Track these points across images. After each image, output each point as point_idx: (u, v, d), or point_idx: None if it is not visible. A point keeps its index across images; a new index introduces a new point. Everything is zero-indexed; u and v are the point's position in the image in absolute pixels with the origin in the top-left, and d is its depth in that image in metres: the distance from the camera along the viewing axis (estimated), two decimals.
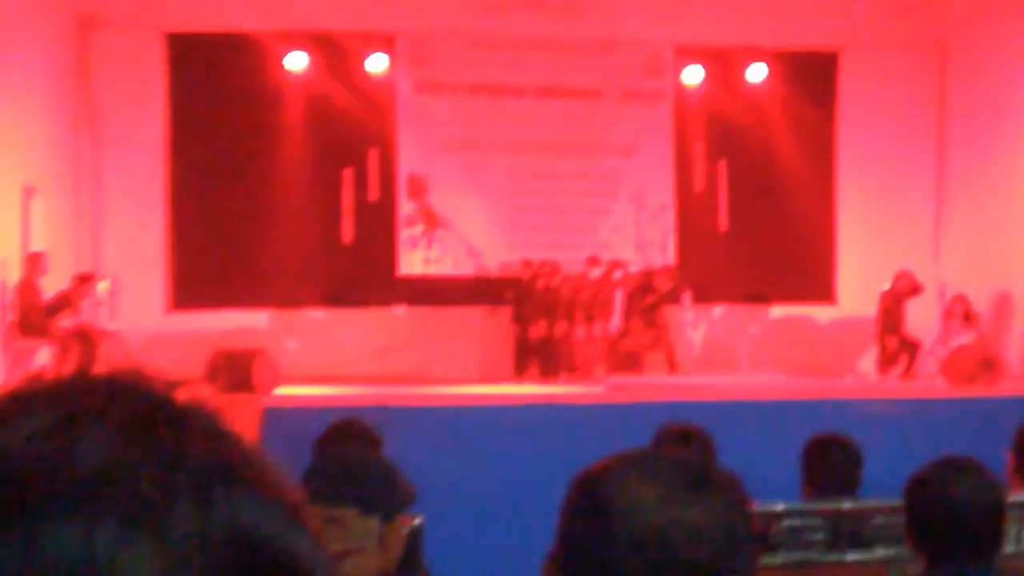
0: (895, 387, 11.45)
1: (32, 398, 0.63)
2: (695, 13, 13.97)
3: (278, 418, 8.25)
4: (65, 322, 10.43)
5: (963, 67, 14.44)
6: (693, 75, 14.47)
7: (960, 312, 12.44)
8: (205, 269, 13.40)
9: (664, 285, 12.45)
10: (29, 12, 11.05)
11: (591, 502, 1.29)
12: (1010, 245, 13.17)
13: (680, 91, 14.59)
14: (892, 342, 12.45)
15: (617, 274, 12.77)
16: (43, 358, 10.43)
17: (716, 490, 1.27)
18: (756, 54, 14.43)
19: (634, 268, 13.37)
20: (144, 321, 12.66)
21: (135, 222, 13.22)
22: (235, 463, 0.64)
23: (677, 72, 14.51)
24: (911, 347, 12.49)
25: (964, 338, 12.12)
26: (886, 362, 12.56)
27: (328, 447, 4.13)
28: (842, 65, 14.85)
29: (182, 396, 0.70)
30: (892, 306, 12.50)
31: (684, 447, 4.13)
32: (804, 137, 14.67)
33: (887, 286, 12.65)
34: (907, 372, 12.42)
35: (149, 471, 0.60)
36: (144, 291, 12.81)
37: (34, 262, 10.59)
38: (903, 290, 12.56)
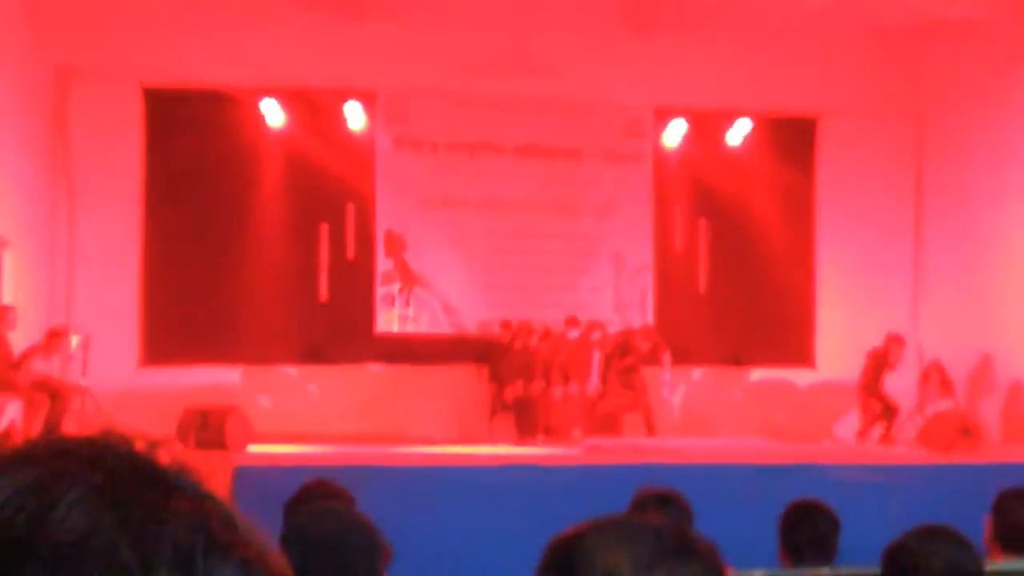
0: (873, 453, 11.40)
1: (8, 459, 0.59)
2: (675, 76, 14.10)
3: (250, 477, 8.12)
4: (33, 373, 10.28)
5: (939, 134, 14.60)
6: (673, 137, 14.57)
7: (936, 379, 12.47)
8: (178, 324, 13.29)
9: (643, 346, 12.40)
10: (6, 61, 11.02)
11: (566, 567, 1.26)
12: (988, 310, 13.22)
13: (660, 152, 14.67)
14: (874, 404, 12.42)
15: (596, 335, 12.73)
16: (11, 413, 10.27)
17: (692, 557, 1.24)
18: (736, 117, 14.55)
19: (613, 329, 13.34)
20: (116, 376, 12.51)
21: (108, 276, 13.11)
22: (216, 529, 0.60)
23: (657, 133, 14.60)
24: (890, 411, 12.47)
25: (941, 405, 12.11)
26: (867, 425, 12.52)
27: (300, 509, 4.03)
28: (821, 130, 14.99)
29: (163, 457, 0.66)
30: (878, 367, 12.48)
31: (662, 511, 4.07)
32: (783, 200, 14.76)
33: (877, 345, 12.66)
34: (885, 437, 12.39)
35: (128, 537, 0.56)
36: (116, 346, 12.68)
37: (2, 316, 10.46)
38: (892, 353, 12.55)
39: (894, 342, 12.65)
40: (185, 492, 0.61)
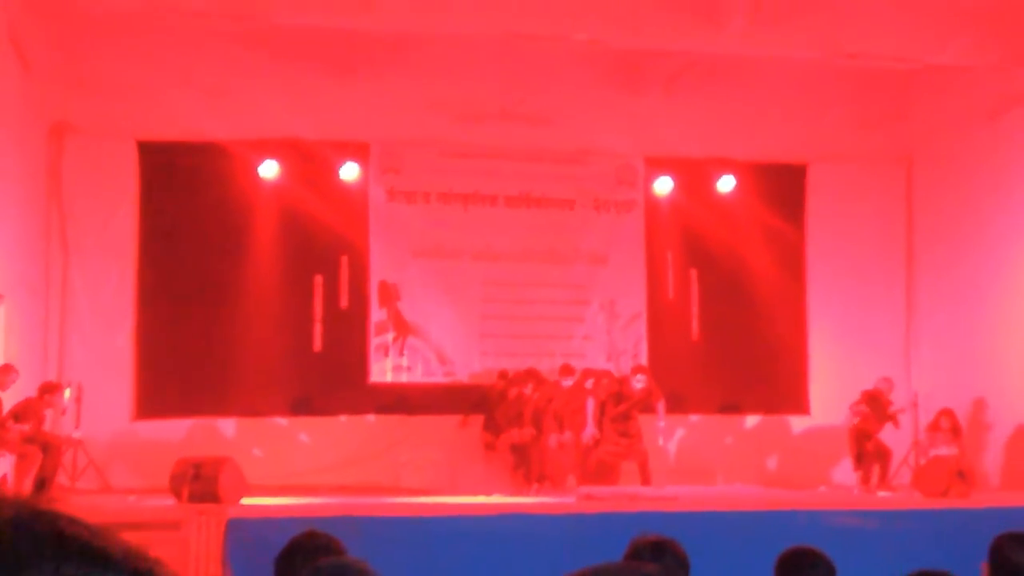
0: (869, 498, 11.36)
1: None
2: (664, 126, 14.20)
3: (243, 529, 8.08)
4: (25, 427, 10.23)
5: (929, 180, 14.70)
6: (664, 185, 14.64)
7: (948, 426, 12.41)
8: (172, 376, 13.26)
9: (637, 387, 12.40)
10: (1, 118, 11.08)
11: None
12: (982, 355, 13.25)
13: (651, 201, 14.74)
14: (867, 446, 12.39)
15: (589, 382, 12.72)
16: (3, 467, 10.22)
17: None
18: (726, 165, 14.64)
19: (606, 379, 13.31)
20: (109, 429, 12.49)
21: (103, 329, 13.10)
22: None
23: (648, 182, 14.68)
24: (883, 455, 12.45)
25: (943, 450, 12.09)
26: (862, 468, 12.48)
27: (294, 562, 3.99)
28: (811, 177, 15.08)
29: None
30: (871, 410, 12.47)
31: (657, 560, 4.05)
32: (774, 247, 14.81)
33: (869, 387, 12.67)
34: (881, 481, 12.36)
35: None
36: (110, 398, 12.65)
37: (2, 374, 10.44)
38: (884, 396, 12.55)
39: (884, 382, 12.66)
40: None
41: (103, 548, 0.63)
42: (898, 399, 13.00)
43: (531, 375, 12.89)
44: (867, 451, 12.35)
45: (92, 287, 13.15)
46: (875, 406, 12.51)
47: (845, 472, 13.69)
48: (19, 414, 10.28)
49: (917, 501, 10.52)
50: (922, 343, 14.63)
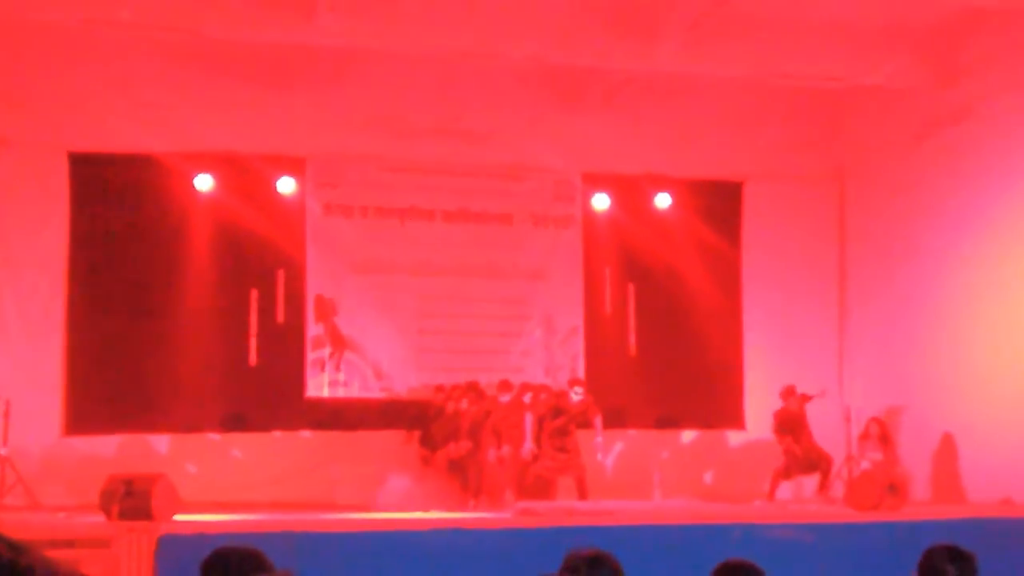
0: (802, 512, 11.46)
1: None
2: (601, 142, 14.31)
3: (174, 546, 7.95)
4: None
5: (861, 197, 14.93)
6: (601, 201, 14.71)
7: (876, 434, 12.59)
8: (104, 391, 13.04)
9: (575, 398, 12.42)
10: None
11: None
12: (911, 367, 13.46)
13: (589, 216, 14.80)
14: (798, 450, 12.50)
15: (527, 397, 12.72)
16: None
17: None
18: (662, 182, 14.74)
19: (544, 394, 13.32)
20: (38, 445, 12.26)
21: (31, 342, 12.85)
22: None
23: (586, 198, 14.75)
24: (824, 462, 12.57)
25: (873, 459, 12.25)
26: (790, 471, 12.60)
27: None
28: (746, 194, 15.24)
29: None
30: (787, 419, 12.61)
31: (593, 573, 4.05)
32: (710, 263, 14.95)
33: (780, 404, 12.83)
34: (821, 489, 12.49)
35: None
36: (39, 413, 12.40)
37: None
38: (793, 402, 12.70)
39: (788, 394, 12.79)
40: None
41: (26, 566, 0.61)
42: (831, 412, 13.16)
43: (471, 388, 12.87)
44: (798, 451, 12.48)
45: (21, 301, 12.90)
46: (790, 417, 12.62)
47: (781, 487, 13.81)
48: None
49: (849, 514, 10.63)
50: (854, 357, 14.83)
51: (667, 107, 14.25)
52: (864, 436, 12.77)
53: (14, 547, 0.61)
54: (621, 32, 12.19)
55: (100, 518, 9.02)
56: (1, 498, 11.32)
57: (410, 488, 12.60)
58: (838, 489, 12.62)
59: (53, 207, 13.12)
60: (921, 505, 11.96)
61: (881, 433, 12.62)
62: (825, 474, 12.59)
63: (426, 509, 11.14)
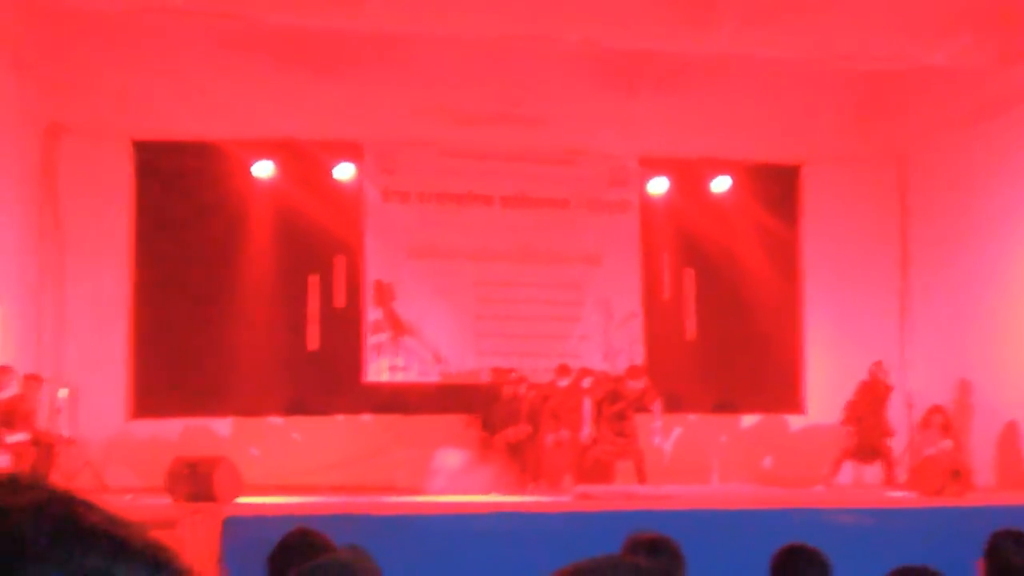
0: (865, 497, 11.38)
1: None
2: (659, 126, 14.22)
3: (239, 527, 8.08)
4: (19, 435, 10.20)
5: (922, 179, 14.73)
6: (658, 186, 14.65)
7: (938, 423, 12.42)
8: (168, 376, 13.26)
9: (634, 385, 12.39)
10: None
11: None
12: (977, 352, 13.27)
13: (646, 201, 14.75)
14: (860, 435, 12.40)
15: (586, 381, 12.72)
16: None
17: None
18: (720, 165, 14.66)
19: (603, 378, 13.31)
20: (105, 429, 12.48)
21: (98, 329, 13.10)
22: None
23: (643, 182, 14.70)
24: (886, 452, 12.45)
25: (937, 448, 12.10)
26: (851, 455, 12.51)
27: (281, 561, 3.98)
28: (805, 177, 15.10)
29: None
30: (864, 397, 12.47)
31: (653, 557, 4.05)
32: (769, 247, 14.83)
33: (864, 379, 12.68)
34: (887, 478, 12.37)
35: None
36: (105, 398, 12.64)
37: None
38: (879, 382, 12.54)
39: (877, 370, 12.65)
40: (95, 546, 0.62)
41: (125, 538, 0.62)
42: (893, 397, 13.02)
43: (522, 376, 12.91)
44: (863, 436, 12.38)
45: (87, 287, 13.14)
46: (871, 398, 12.49)
47: (841, 471, 13.70)
48: (5, 414, 10.25)
49: (912, 499, 10.53)
50: (916, 341, 14.66)
51: (725, 90, 14.12)
52: (925, 425, 12.61)
53: (111, 519, 0.63)
54: (678, 14, 12.09)
55: (166, 500, 9.19)
56: (69, 482, 11.54)
57: (469, 472, 12.66)
58: (901, 476, 12.49)
59: (117, 194, 13.34)
60: (985, 491, 11.81)
61: (943, 422, 12.45)
62: (888, 462, 12.45)
63: (485, 493, 11.20)
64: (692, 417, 14.43)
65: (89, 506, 0.63)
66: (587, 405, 12.32)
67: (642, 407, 12.41)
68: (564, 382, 12.56)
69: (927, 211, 14.60)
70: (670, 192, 14.70)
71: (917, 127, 14.68)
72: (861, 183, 15.00)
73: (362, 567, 2.88)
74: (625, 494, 10.84)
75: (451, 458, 11.93)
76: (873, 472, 12.93)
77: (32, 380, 10.79)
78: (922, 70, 13.42)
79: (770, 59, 13.29)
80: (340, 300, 13.93)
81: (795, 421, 14.71)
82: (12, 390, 10.42)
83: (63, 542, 0.59)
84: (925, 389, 13.70)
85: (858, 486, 13.16)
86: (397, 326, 14.02)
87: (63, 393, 11.66)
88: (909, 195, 15.00)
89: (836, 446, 12.85)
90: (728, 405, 14.61)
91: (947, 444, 12.20)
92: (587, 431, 12.22)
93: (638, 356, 14.39)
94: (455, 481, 11.58)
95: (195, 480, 9.24)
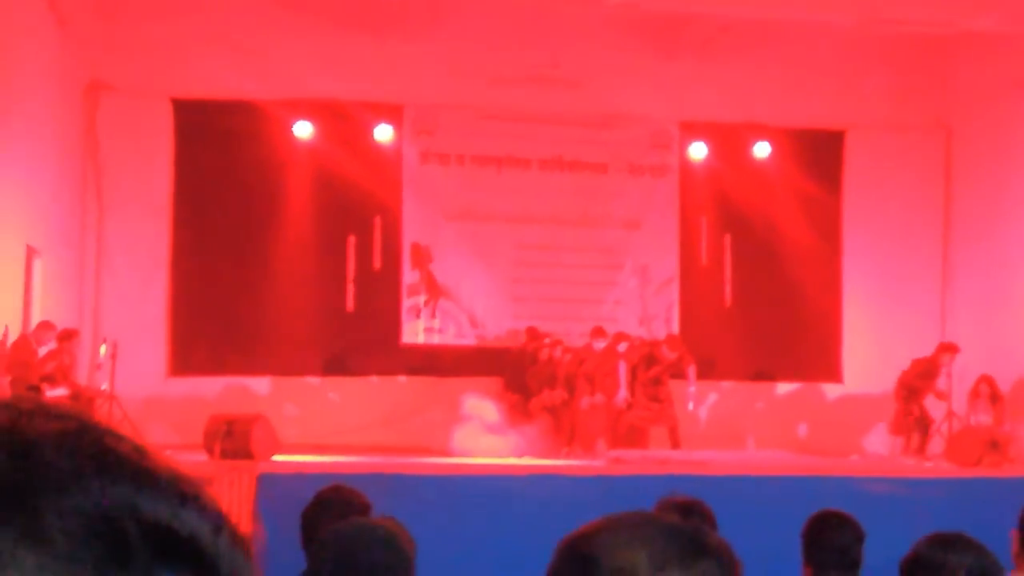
0: (901, 466, 11.31)
1: None
2: (699, 90, 14.09)
3: (273, 484, 8.15)
4: (59, 390, 10.33)
5: (967, 147, 14.53)
6: (698, 150, 14.55)
7: (987, 393, 12.27)
8: (206, 334, 13.37)
9: (668, 355, 12.35)
10: (38, 77, 11.15)
11: (579, 565, 1.24)
12: (1017, 323, 13.11)
13: (686, 165, 14.66)
14: (912, 410, 12.28)
15: (622, 346, 12.70)
16: None
17: (707, 554, 1.23)
18: (762, 131, 14.52)
19: (639, 343, 13.28)
20: (144, 385, 12.61)
21: (137, 286, 13.23)
22: (108, 451, 0.61)
23: (683, 147, 14.60)
24: (925, 424, 12.34)
25: (983, 417, 11.96)
26: (900, 430, 12.39)
27: (322, 519, 4.02)
28: (848, 144, 14.93)
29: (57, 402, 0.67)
30: (924, 374, 12.32)
31: (684, 520, 4.06)
32: (810, 214, 14.69)
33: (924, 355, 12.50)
34: (920, 449, 12.27)
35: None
36: (145, 355, 12.76)
37: (37, 330, 10.54)
38: (943, 362, 12.36)
39: (946, 351, 12.43)
40: (62, 423, 0.61)
41: (151, 469, 0.62)
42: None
43: (558, 340, 12.89)
44: (909, 416, 12.26)
45: (127, 244, 13.26)
46: (931, 371, 12.33)
47: (878, 441, 13.63)
48: (48, 370, 10.37)
49: (949, 470, 10.46)
50: (958, 312, 14.51)
51: (767, 54, 13.96)
52: (974, 394, 12.42)
53: (139, 449, 0.62)
54: None
55: (203, 456, 9.28)
56: None
57: (504, 434, 12.69)
58: (938, 445, 12.39)
59: (158, 152, 13.42)
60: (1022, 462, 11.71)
61: (991, 392, 12.28)
62: (925, 436, 12.33)
63: (519, 455, 11.23)
64: (728, 384, 14.39)
65: (119, 437, 0.63)
66: (623, 369, 12.30)
67: (677, 372, 12.38)
68: (600, 344, 12.53)
69: (971, 179, 14.41)
70: (710, 157, 14.59)
71: (962, 94, 14.47)
72: (905, 151, 14.82)
73: (393, 532, 2.89)
74: (659, 459, 10.84)
75: (481, 409, 11.93)
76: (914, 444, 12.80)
77: (69, 335, 10.90)
78: (968, 36, 13.22)
79: (814, 23, 13.13)
80: (378, 261, 13.97)
81: (832, 390, 14.63)
82: (51, 345, 10.54)
83: (86, 471, 0.59)
84: (966, 359, 13.55)
85: (894, 456, 13.06)
86: (434, 288, 14.05)
87: (103, 349, 11.78)
88: (953, 163, 14.81)
89: (872, 415, 12.74)
90: (764, 373, 14.55)
91: (989, 415, 12.05)
92: (622, 395, 12.20)
93: (674, 322, 14.36)
94: (482, 433, 11.58)
95: (232, 437, 9.33)
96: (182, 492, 0.61)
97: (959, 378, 13.03)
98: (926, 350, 12.92)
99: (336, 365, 13.71)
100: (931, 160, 14.91)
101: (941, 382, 12.33)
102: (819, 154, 14.89)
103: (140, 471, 0.60)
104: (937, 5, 12.46)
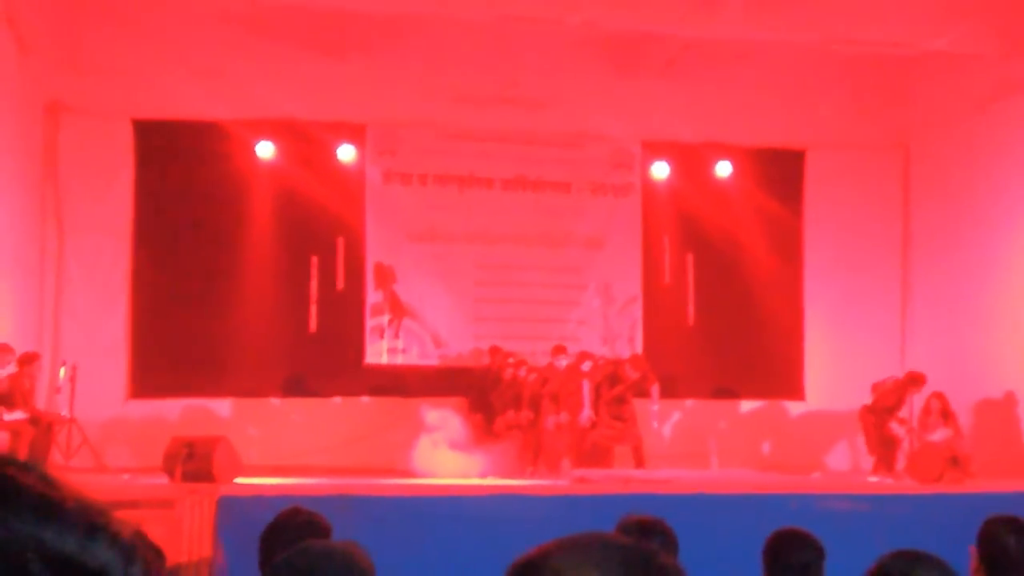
0: (861, 483, 11.38)
1: None
2: (661, 110, 14.18)
3: (235, 507, 8.08)
4: (17, 413, 10.21)
5: (926, 166, 14.69)
6: (660, 170, 14.62)
7: (938, 409, 12.37)
8: (167, 356, 13.26)
9: (632, 375, 12.38)
10: None
11: None
12: (976, 340, 13.25)
13: (648, 185, 14.72)
14: (878, 434, 12.36)
15: (586, 365, 12.70)
16: None
17: None
18: (723, 150, 14.62)
19: (602, 361, 13.29)
20: (104, 408, 12.49)
21: (97, 308, 13.10)
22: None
23: (645, 166, 14.67)
24: (892, 443, 12.41)
25: (941, 435, 12.05)
26: (871, 449, 12.47)
27: (279, 541, 3.97)
28: (809, 163, 15.05)
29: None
30: (890, 405, 12.38)
31: (644, 539, 4.05)
32: (771, 232, 14.79)
33: (897, 377, 12.56)
34: (890, 467, 12.33)
35: None
36: (104, 377, 12.65)
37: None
38: (909, 391, 12.43)
39: (913, 383, 12.49)
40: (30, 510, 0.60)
41: (57, 500, 0.60)
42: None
43: (522, 359, 12.88)
44: (875, 435, 12.33)
45: (87, 265, 13.14)
46: (901, 396, 12.40)
47: (840, 458, 13.72)
48: (3, 393, 10.26)
49: (910, 486, 10.53)
50: (917, 329, 14.64)
51: (728, 74, 14.08)
52: (925, 411, 12.55)
53: (45, 479, 0.61)
54: None
55: (163, 479, 9.20)
56: (68, 460, 11.56)
57: (468, 454, 12.66)
58: (899, 462, 12.48)
59: (118, 173, 13.33)
60: (983, 479, 11.81)
61: (942, 408, 12.40)
62: (892, 454, 12.40)
63: (484, 476, 11.20)
64: (691, 402, 14.43)
65: (24, 467, 0.61)
66: (586, 389, 12.30)
67: (641, 391, 12.40)
68: (562, 362, 12.52)
69: (929, 198, 14.57)
70: (672, 176, 14.67)
71: (920, 114, 14.64)
72: (864, 169, 14.96)
73: (350, 555, 2.86)
74: (622, 478, 10.84)
75: (445, 429, 11.89)
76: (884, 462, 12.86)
77: (30, 358, 10.79)
78: (926, 56, 13.37)
79: (773, 44, 13.25)
80: (341, 282, 13.93)
81: (794, 407, 14.71)
82: (10, 369, 10.43)
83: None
84: (926, 375, 13.66)
85: (858, 472, 13.15)
86: (397, 308, 14.02)
87: (63, 372, 11.66)
88: (912, 182, 14.97)
89: (834, 433, 12.82)
90: (727, 390, 14.60)
91: (946, 431, 12.15)
92: (587, 415, 12.20)
93: (638, 340, 14.39)
94: (446, 454, 11.54)
95: (193, 460, 9.24)
96: (91, 522, 0.59)
97: (918, 394, 13.14)
98: (887, 366, 13.03)
99: (299, 386, 13.64)
100: (890, 179, 15.06)
101: (904, 410, 12.42)
102: (780, 173, 15.00)
103: (45, 502, 0.58)
104: (895, 26, 12.61)
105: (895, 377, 12.59)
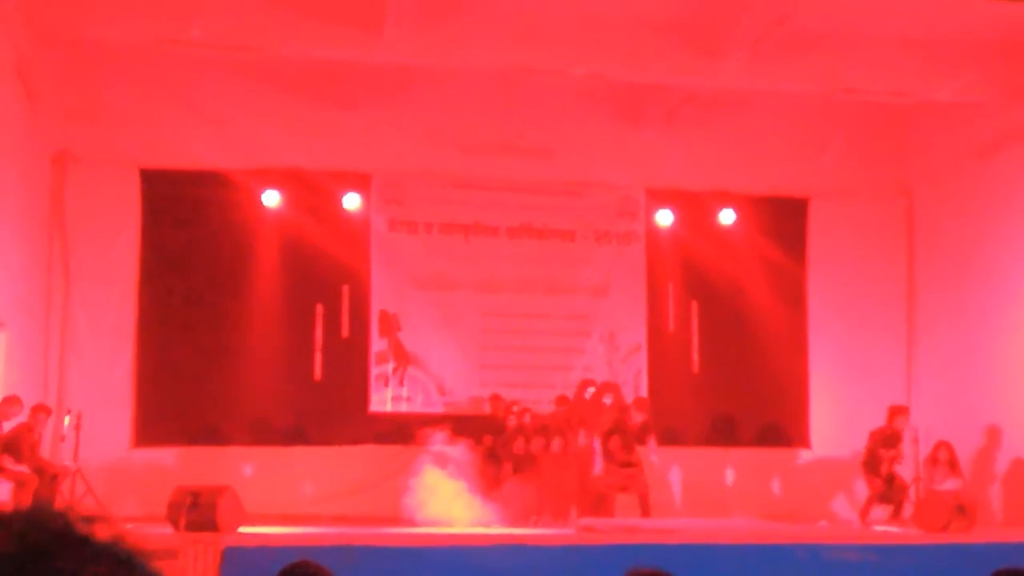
0: (869, 533, 11.32)
1: None
2: (665, 158, 14.28)
3: (238, 557, 8.05)
4: (22, 465, 10.21)
5: (929, 214, 14.73)
6: (665, 217, 14.67)
7: (945, 459, 12.34)
8: (172, 404, 13.26)
9: (637, 418, 12.40)
10: (6, 148, 11.13)
11: None
12: (982, 388, 13.22)
13: (653, 233, 14.76)
14: (877, 483, 12.31)
15: (607, 398, 12.77)
16: (2, 495, 10.20)
17: None
18: (727, 198, 14.68)
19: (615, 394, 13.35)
20: (108, 456, 12.47)
21: (102, 356, 13.11)
22: None
23: (649, 214, 14.72)
24: (899, 489, 12.34)
25: (948, 485, 12.01)
26: (869, 504, 12.39)
27: None
28: (812, 211, 15.10)
29: (103, 531, 0.66)
30: (882, 444, 12.35)
31: None
32: (775, 280, 14.81)
33: (880, 424, 12.54)
34: (895, 516, 12.26)
35: None
36: (109, 426, 12.63)
37: (3, 404, 10.44)
38: (898, 425, 12.40)
39: (898, 414, 12.50)
40: (105, 559, 0.62)
41: (125, 551, 0.62)
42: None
43: (527, 408, 12.92)
44: (877, 485, 12.27)
45: (93, 315, 13.17)
46: (886, 439, 12.38)
47: (846, 506, 13.64)
48: (10, 442, 10.26)
49: (917, 536, 10.47)
50: (923, 377, 14.61)
51: (731, 123, 14.18)
52: (932, 461, 12.51)
53: (88, 519, 0.64)
54: (685, 48, 12.17)
55: (167, 529, 9.16)
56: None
57: (473, 502, 12.60)
58: (907, 511, 12.41)
59: (124, 222, 13.39)
60: (990, 528, 11.75)
61: (949, 458, 12.37)
62: (900, 502, 12.34)
63: (489, 524, 11.15)
64: (697, 450, 14.38)
65: (93, 520, 0.64)
66: (597, 444, 12.35)
67: (640, 440, 12.39)
68: (590, 392, 12.61)
69: (933, 246, 14.60)
70: (676, 224, 14.72)
71: (923, 162, 14.71)
72: (868, 217, 15.01)
73: None
74: (629, 527, 10.78)
75: (449, 477, 11.86)
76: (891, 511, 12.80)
77: (40, 410, 10.84)
78: (928, 106, 13.48)
79: (778, 93, 13.36)
80: (346, 330, 13.94)
81: (800, 455, 14.65)
82: (19, 419, 10.43)
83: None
84: (931, 424, 13.63)
85: (867, 521, 13.07)
86: (402, 356, 14.01)
87: (67, 420, 11.65)
88: (916, 230, 15.00)
89: (840, 480, 12.75)
90: (733, 438, 14.56)
91: (953, 481, 12.11)
92: (599, 466, 12.21)
93: (643, 388, 14.37)
94: (450, 502, 11.51)
95: (197, 509, 9.21)
96: (117, 555, 0.62)
97: (924, 443, 13.10)
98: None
99: (303, 434, 13.62)
100: (894, 227, 15.09)
101: (904, 446, 12.39)
102: (783, 221, 15.04)
103: (119, 554, 0.61)
104: (897, 76, 12.73)
105: (880, 426, 12.55)
